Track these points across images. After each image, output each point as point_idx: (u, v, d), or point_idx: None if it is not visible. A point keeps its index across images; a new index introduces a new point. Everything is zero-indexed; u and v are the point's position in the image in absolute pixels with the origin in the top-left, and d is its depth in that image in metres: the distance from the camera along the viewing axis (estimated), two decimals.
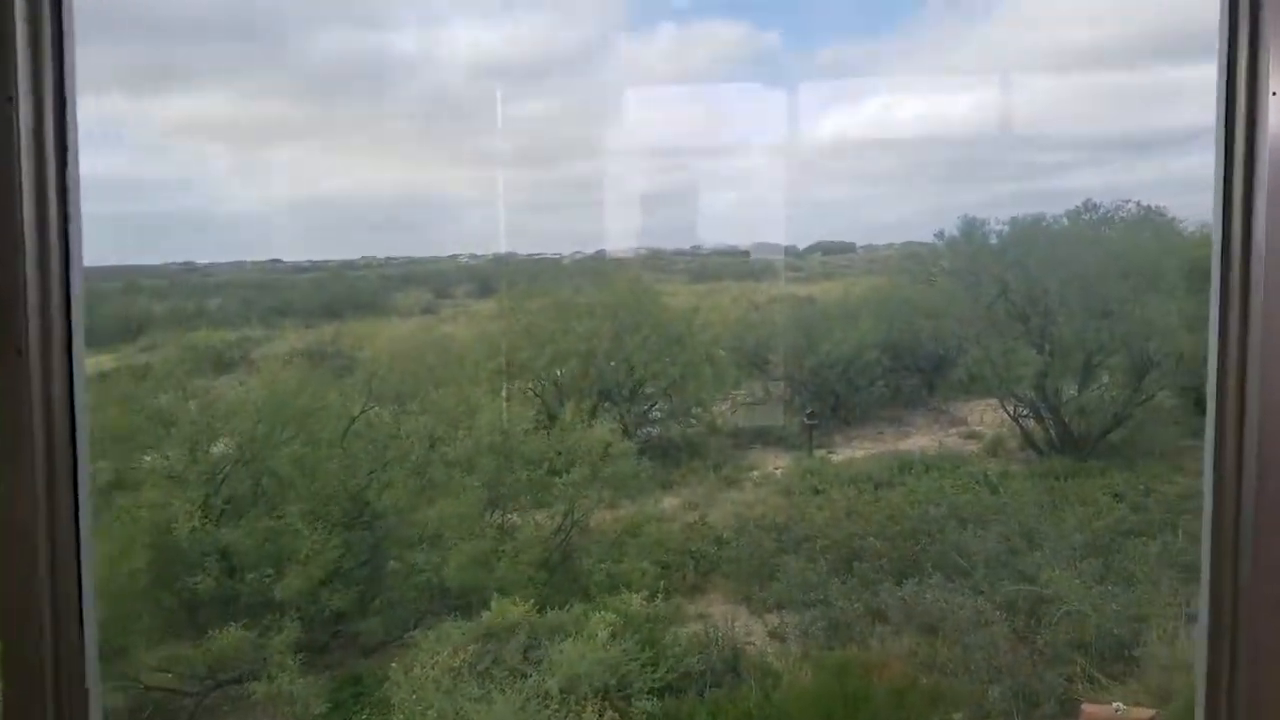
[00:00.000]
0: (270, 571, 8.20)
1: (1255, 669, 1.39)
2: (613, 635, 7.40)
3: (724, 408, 19.15)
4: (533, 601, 7.97)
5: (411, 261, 25.62)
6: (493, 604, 7.78)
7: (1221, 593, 1.43)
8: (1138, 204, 15.87)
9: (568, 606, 7.96)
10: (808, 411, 17.82)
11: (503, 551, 8.92)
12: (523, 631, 7.47)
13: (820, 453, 17.06)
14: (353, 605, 8.29)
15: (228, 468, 9.13)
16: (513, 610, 7.68)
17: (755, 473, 15.83)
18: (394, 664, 7.29)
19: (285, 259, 23.96)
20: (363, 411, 9.95)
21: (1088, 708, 6.47)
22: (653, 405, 17.18)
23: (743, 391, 19.96)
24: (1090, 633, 7.51)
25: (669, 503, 13.31)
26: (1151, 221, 16.06)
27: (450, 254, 26.66)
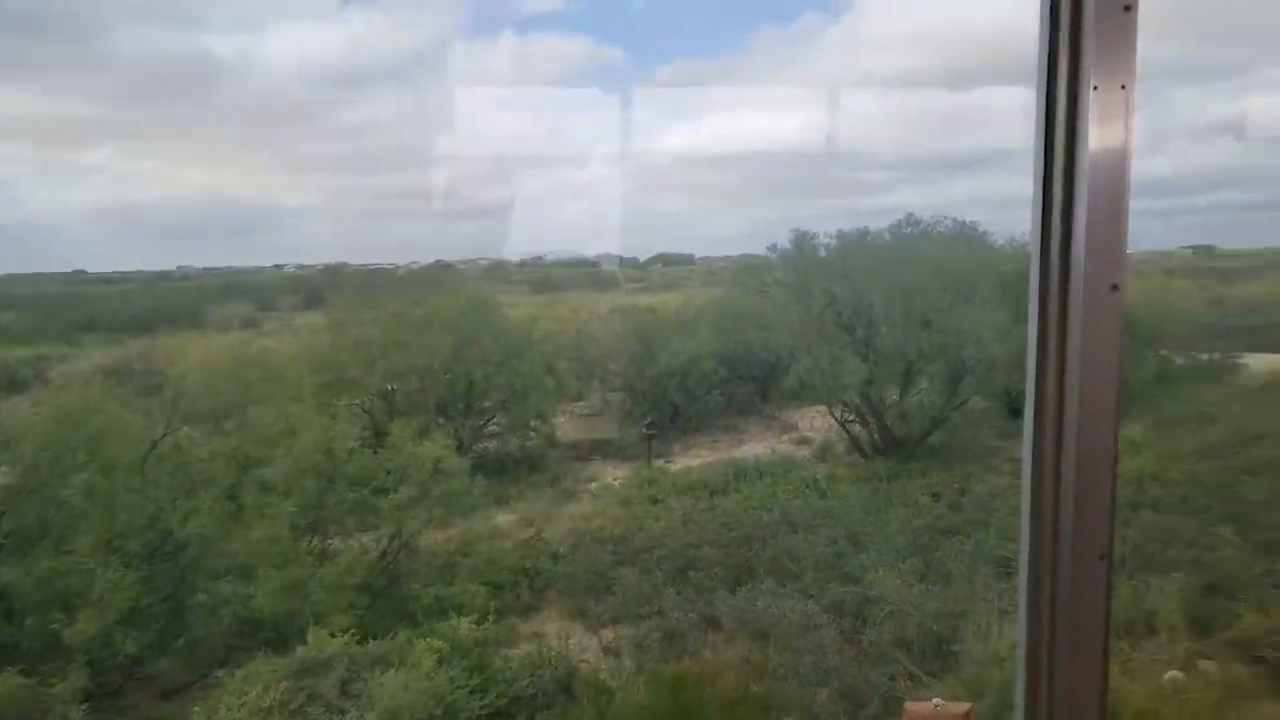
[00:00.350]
0: (58, 614, 7.44)
1: (1073, 655, 1.41)
2: (439, 662, 7.07)
3: (564, 419, 19.11)
4: (353, 631, 7.53)
5: (232, 272, 24.36)
6: (309, 636, 7.30)
7: (1040, 580, 1.44)
8: (954, 219, 16.72)
9: (391, 635, 7.56)
10: (647, 421, 17.88)
11: (321, 578, 8.41)
12: (341, 664, 7.04)
13: (659, 462, 17.14)
14: (152, 644, 7.61)
15: (7, 499, 8.25)
16: (330, 642, 7.23)
17: (594, 484, 15.75)
18: (196, 707, 6.72)
19: (90, 270, 22.29)
20: (166, 433, 9.21)
21: (910, 706, 6.62)
22: (491, 419, 16.86)
23: (583, 403, 19.91)
24: (912, 631, 7.72)
25: (504, 519, 13.02)
26: (966, 236, 16.95)
27: (276, 264, 25.54)
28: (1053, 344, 1.38)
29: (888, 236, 16.90)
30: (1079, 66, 1.37)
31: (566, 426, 18.79)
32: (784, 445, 18.27)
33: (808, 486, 13.83)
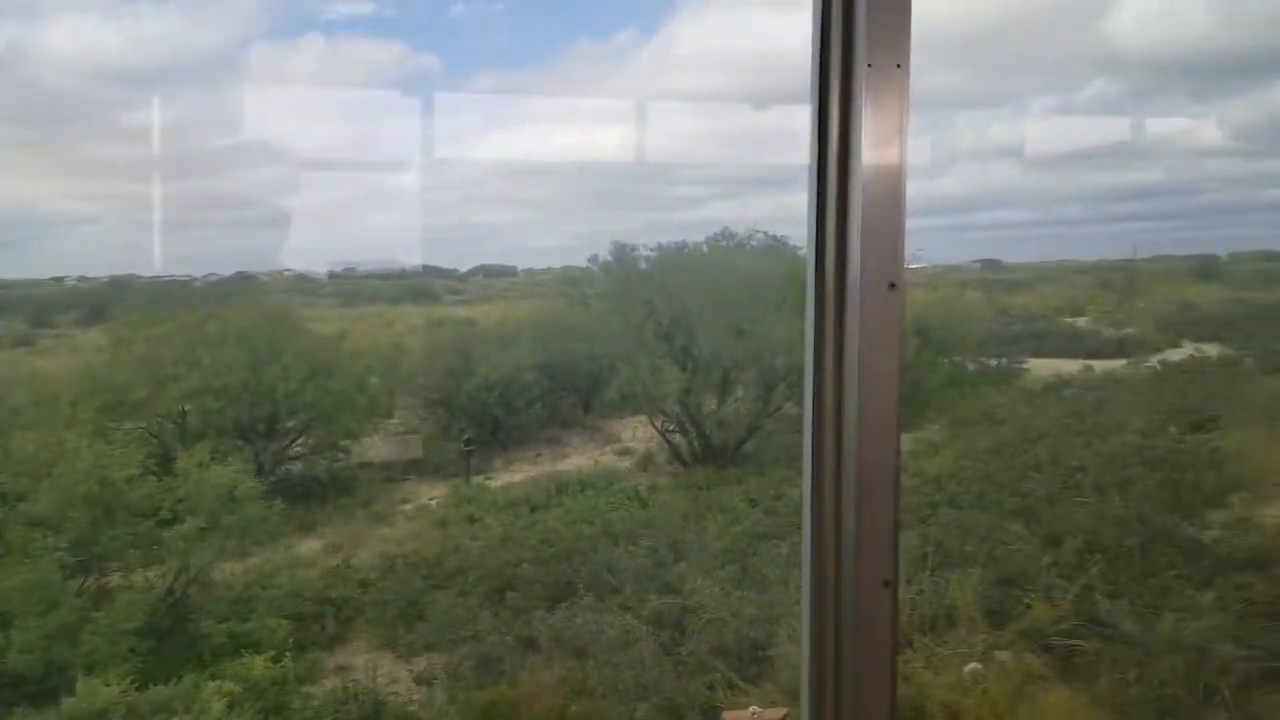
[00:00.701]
0: None
1: (859, 685, 1.37)
2: (230, 707, 6.48)
3: (377, 438, 18.36)
4: (131, 678, 6.80)
5: (2, 285, 22.03)
6: (78, 686, 6.54)
7: (823, 608, 1.44)
8: (765, 233, 17.19)
9: (175, 679, 6.88)
10: (465, 438, 17.39)
11: (96, 622, 7.58)
12: (117, 715, 6.33)
13: (478, 479, 16.72)
14: None
15: None
16: (104, 691, 6.49)
17: (408, 506, 15.14)
18: None
19: None
20: None
21: (728, 715, 6.60)
22: (296, 440, 15.95)
23: (397, 420, 19.18)
24: (730, 638, 7.72)
25: (310, 546, 12.24)
26: (777, 249, 17.45)
27: (54, 276, 23.30)
28: (830, 346, 1.34)
29: (705, 249, 17.22)
30: (852, 49, 1.34)
31: (379, 445, 18.00)
32: (607, 457, 18.19)
33: (630, 498, 13.78)
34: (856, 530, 1.26)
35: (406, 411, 19.23)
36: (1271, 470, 8.66)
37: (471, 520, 13.62)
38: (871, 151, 1.32)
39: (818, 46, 1.37)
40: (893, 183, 1.33)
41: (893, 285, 1.32)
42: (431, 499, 15.46)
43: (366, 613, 9.97)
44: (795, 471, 10.07)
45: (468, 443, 17.13)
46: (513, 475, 17.15)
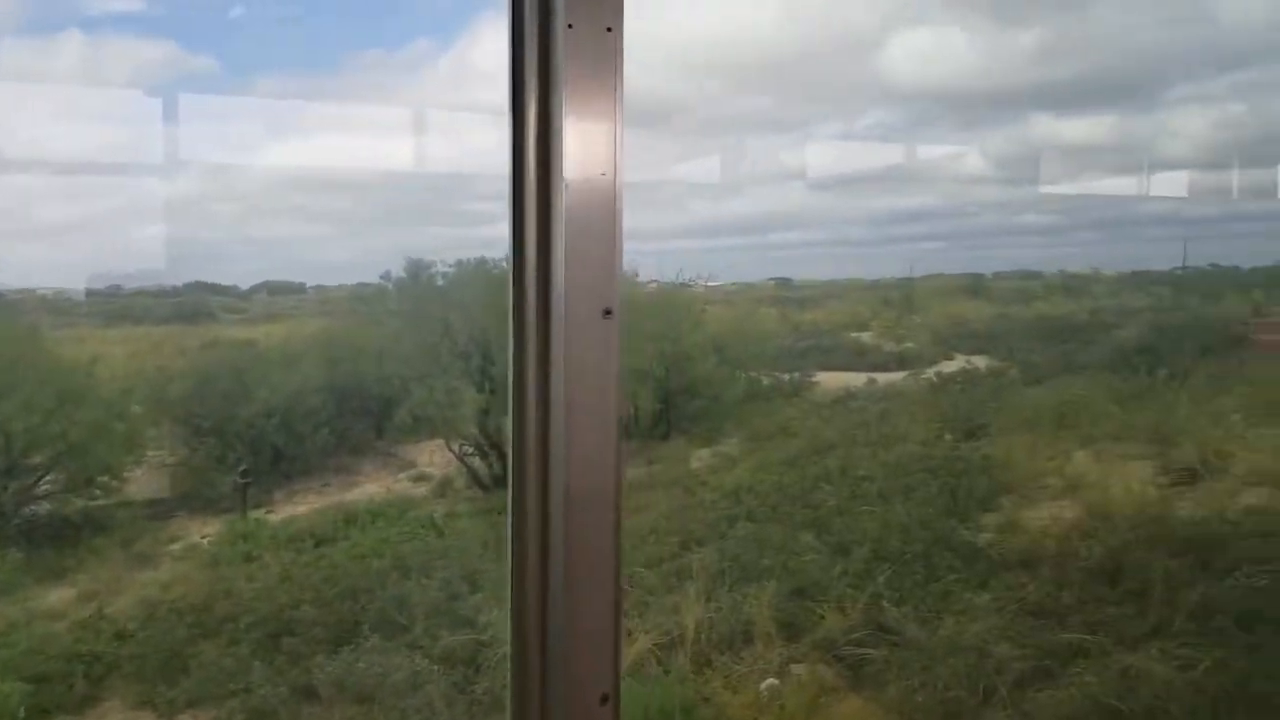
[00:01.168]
0: None
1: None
2: None
3: (141, 472, 16.87)
4: None
5: None
6: None
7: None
8: None
9: None
10: (240, 469, 16.16)
11: None
12: None
13: (258, 513, 15.59)
14: None
15: None
16: None
17: (176, 545, 13.84)
18: None
19: None
20: None
21: None
22: (42, 477, 14.29)
23: (165, 451, 17.65)
24: None
25: (59, 596, 10.90)
26: None
27: None
28: (531, 385, 1.15)
29: (504, 265, 16.81)
30: (549, 86, 1.16)
31: (144, 480, 16.52)
32: (402, 484, 17.42)
33: (424, 527, 13.17)
34: (566, 628, 0.99)
35: (176, 441, 17.75)
36: (1034, 474, 9.23)
37: (248, 559, 12.57)
38: (577, 148, 1.14)
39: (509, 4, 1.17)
40: (603, 193, 1.15)
41: (608, 312, 1.15)
42: (204, 537, 14.25)
43: (123, 668, 8.91)
44: None
45: (244, 474, 15.91)
46: (296, 507, 16.09)
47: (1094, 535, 6.86)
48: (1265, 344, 15.94)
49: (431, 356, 15.07)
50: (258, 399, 17.22)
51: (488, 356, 14.18)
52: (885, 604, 6.42)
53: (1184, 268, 41.35)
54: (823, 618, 6.49)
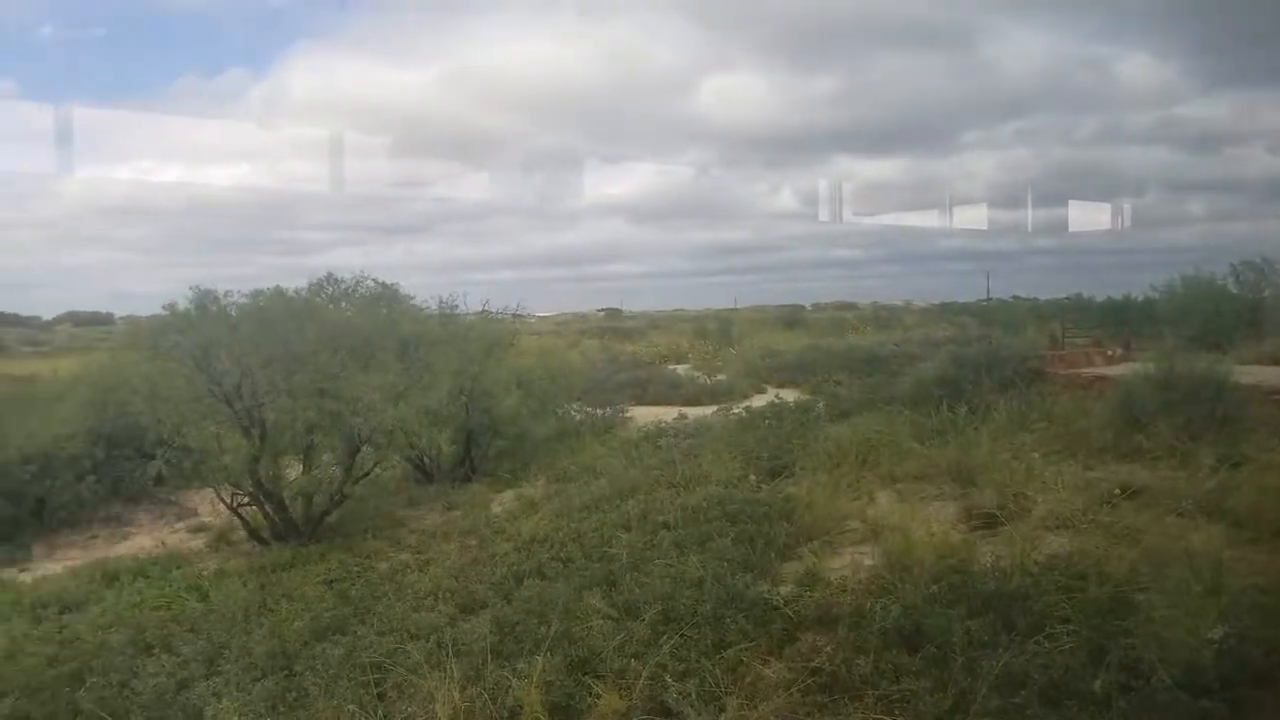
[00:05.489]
0: None
1: None
2: None
3: None
4: None
5: None
6: None
7: None
8: (375, 280, 15.76)
9: None
10: None
11: None
12: None
13: (9, 573, 13.63)
14: None
15: None
16: None
17: None
18: None
19: None
20: None
21: None
22: None
23: None
24: None
25: None
26: (386, 297, 16.08)
27: None
28: None
29: (305, 297, 15.43)
30: None
31: None
32: (178, 535, 15.71)
33: (188, 588, 11.66)
34: None
35: None
36: (836, 516, 8.78)
37: None
38: None
39: None
40: None
41: None
42: None
43: None
44: (390, 541, 8.77)
45: None
46: (56, 565, 14.19)
47: (892, 590, 6.32)
48: (1060, 376, 16.44)
49: (215, 394, 13.49)
50: (10, 445, 15.21)
51: (256, 398, 12.74)
52: (669, 679, 5.64)
53: (988, 299, 43.76)
54: (599, 697, 5.65)
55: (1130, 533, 7.41)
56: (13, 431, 15.52)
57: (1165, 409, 11.35)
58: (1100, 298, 31.54)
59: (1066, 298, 33.65)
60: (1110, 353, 19.24)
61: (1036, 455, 10.21)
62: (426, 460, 16.10)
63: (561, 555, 9.18)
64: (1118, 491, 8.47)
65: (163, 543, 14.97)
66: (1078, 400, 13.70)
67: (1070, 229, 23.49)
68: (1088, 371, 16.74)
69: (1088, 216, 23.92)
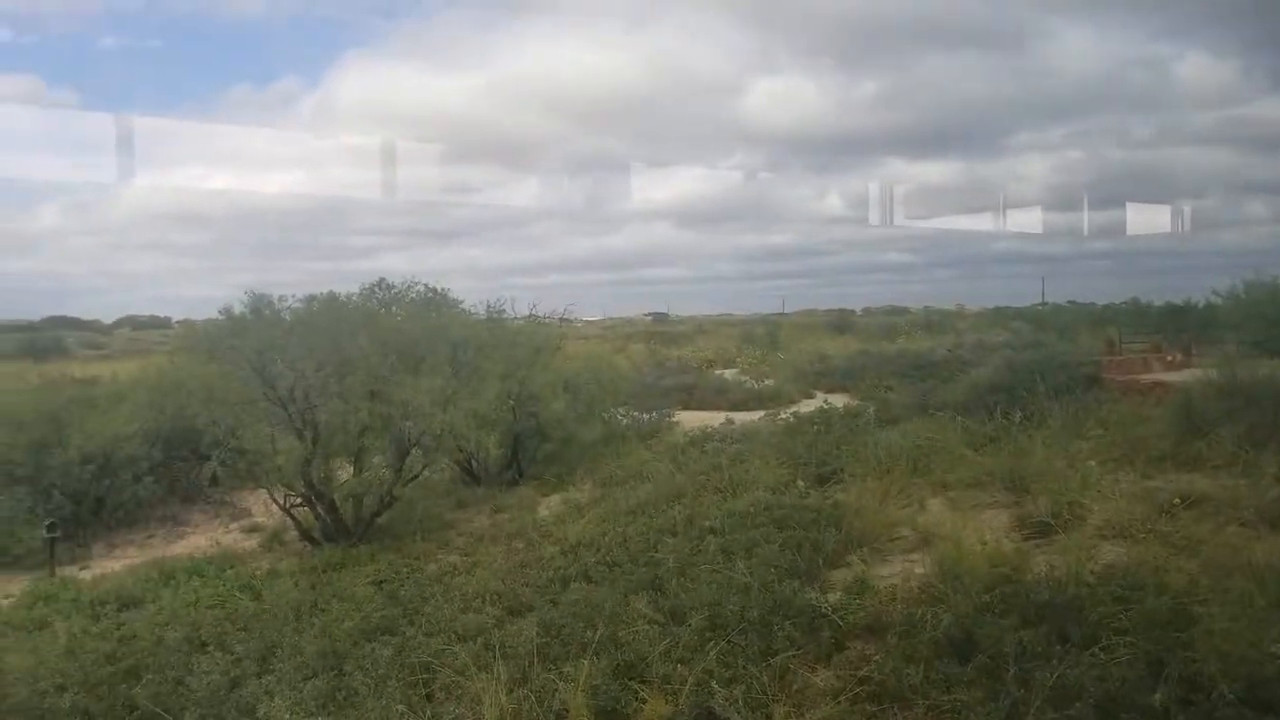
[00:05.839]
0: None
1: None
2: None
3: None
4: None
5: None
6: None
7: None
8: (425, 285, 15.94)
9: None
10: (47, 522, 14.47)
11: None
12: None
13: (70, 570, 14.00)
14: None
15: None
16: None
17: None
18: None
19: None
20: None
21: None
22: None
23: None
24: None
25: None
26: (436, 302, 16.26)
27: None
28: None
29: (357, 302, 15.68)
30: None
31: None
32: (232, 535, 16.02)
33: (242, 587, 11.87)
34: None
35: None
36: (886, 524, 8.67)
37: (39, 626, 11.11)
38: None
39: None
40: None
41: None
42: (7, 597, 12.68)
43: None
44: (438, 543, 8.85)
45: (50, 528, 14.24)
46: (115, 563, 14.55)
47: (944, 599, 6.21)
48: (1117, 382, 16.10)
49: (270, 397, 13.73)
50: (71, 445, 15.63)
51: (309, 400, 12.94)
52: (715, 685, 5.61)
53: (1042, 303, 42.99)
54: (645, 702, 5.63)
55: (1190, 543, 7.22)
56: (74, 432, 15.91)
57: (1227, 416, 11.05)
58: (1159, 302, 30.87)
59: (1124, 302, 33.01)
60: (1170, 358, 18.80)
61: (1092, 463, 10.00)
62: (474, 463, 16.22)
63: (608, 559, 9.17)
64: (1177, 501, 8.26)
65: (217, 542, 15.27)
66: (1135, 407, 13.41)
67: (1128, 232, 22.99)
68: (1146, 378, 16.38)
69: (1146, 219, 23.40)
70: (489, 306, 17.48)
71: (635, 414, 19.50)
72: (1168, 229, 23.02)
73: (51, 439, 15.88)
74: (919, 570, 7.33)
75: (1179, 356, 19.00)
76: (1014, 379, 15.76)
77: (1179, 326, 26.08)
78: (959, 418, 13.31)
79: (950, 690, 5.18)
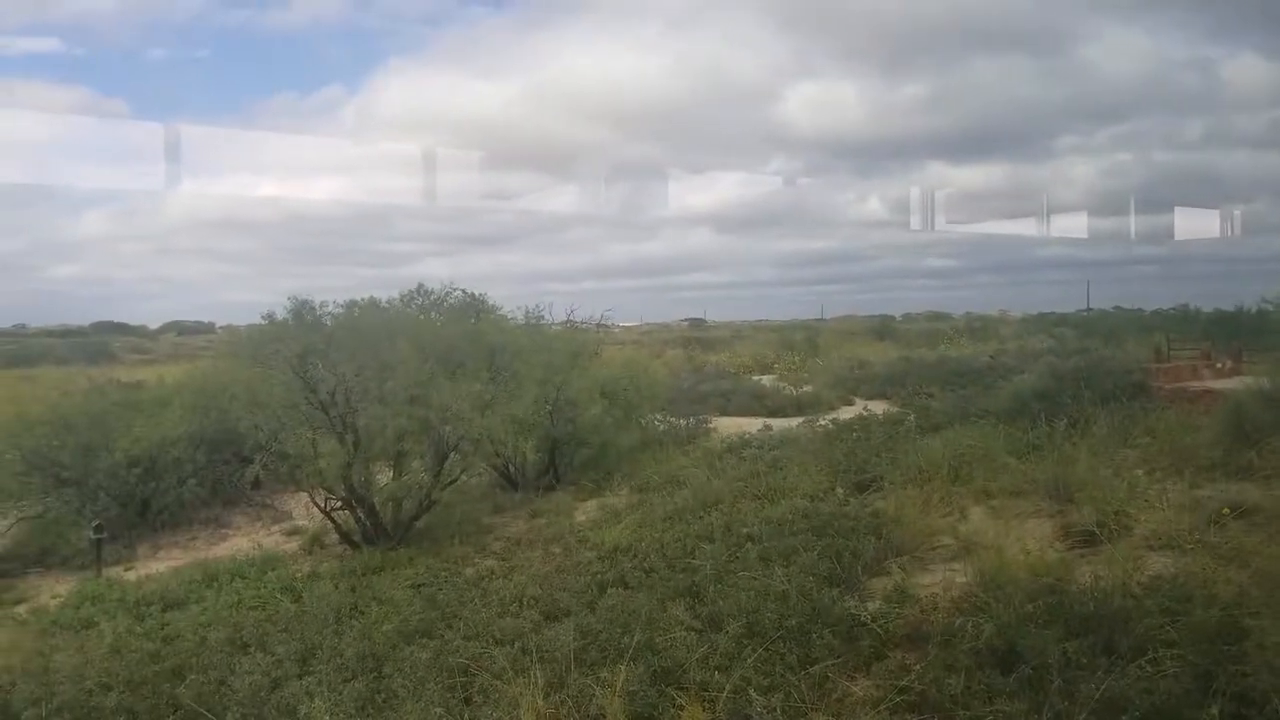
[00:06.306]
0: None
1: None
2: None
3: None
4: None
5: None
6: None
7: None
8: (464, 291, 16.08)
9: None
10: (94, 524, 14.75)
11: None
12: None
13: (115, 571, 14.27)
14: None
15: None
16: None
17: (22, 607, 12.57)
18: None
19: None
20: None
21: None
22: None
23: (25, 502, 16.15)
24: None
25: None
26: (475, 307, 16.40)
27: None
28: None
29: (398, 307, 15.88)
30: None
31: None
32: (274, 537, 16.22)
33: (283, 589, 12.01)
34: None
35: (39, 491, 16.25)
36: (927, 532, 8.56)
37: (86, 625, 11.34)
38: None
39: None
40: None
41: None
42: (55, 597, 12.96)
43: None
44: (476, 547, 8.87)
45: (97, 529, 14.53)
46: (160, 564, 14.81)
47: (986, 609, 6.12)
48: (1165, 390, 15.80)
49: (311, 401, 13.91)
50: (118, 448, 15.92)
51: (350, 404, 13.08)
52: (753, 692, 5.56)
53: (1088, 309, 42.28)
54: (682, 709, 5.60)
55: (1240, 554, 7.05)
56: (121, 436, 16.20)
57: (1278, 425, 10.79)
58: (1208, 308, 30.24)
59: (1172, 308, 32.40)
60: (1219, 365, 18.42)
61: (1139, 472, 9.81)
62: (512, 468, 16.29)
63: (644, 565, 9.16)
64: (1227, 511, 8.07)
65: (259, 544, 15.47)
66: (1184, 415, 13.13)
67: (1176, 236, 22.54)
68: (1195, 385, 16.05)
69: (1195, 224, 22.96)
70: (527, 312, 17.60)
71: (672, 420, 19.48)
72: (1217, 233, 22.56)
73: (99, 442, 16.18)
74: (960, 579, 7.22)
75: (1229, 363, 18.61)
76: (1058, 386, 15.52)
77: (1229, 333, 25.54)
78: (1002, 425, 13.13)
79: (992, 701, 5.09)
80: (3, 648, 10.58)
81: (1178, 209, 22.74)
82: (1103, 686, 4.89)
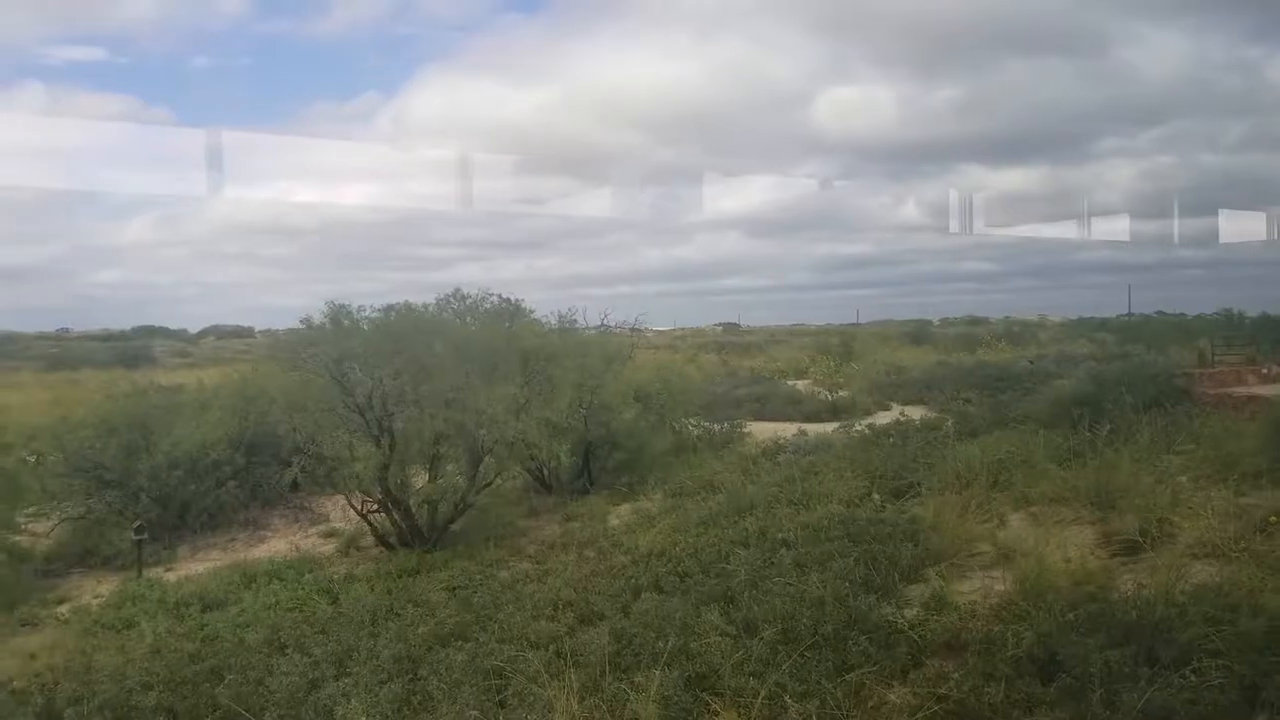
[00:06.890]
0: None
1: None
2: None
3: (41, 526, 15.71)
4: None
5: None
6: None
7: None
8: (500, 296, 16.17)
9: None
10: (135, 524, 14.99)
11: None
12: None
13: (156, 571, 14.48)
14: None
15: None
16: None
17: (65, 607, 12.78)
18: None
19: None
20: None
21: None
22: None
23: (69, 504, 16.44)
24: None
25: None
26: (510, 312, 16.48)
27: None
28: None
29: (434, 311, 16.01)
30: None
31: (42, 534, 15.51)
32: (311, 539, 16.37)
33: (320, 590, 12.13)
34: None
35: (80, 493, 16.55)
36: (965, 539, 8.45)
37: (127, 625, 11.51)
38: None
39: None
40: None
41: None
42: (97, 597, 13.18)
43: None
44: (510, 550, 8.88)
45: (138, 530, 14.75)
46: (199, 565, 14.99)
47: (1025, 617, 6.03)
48: (1209, 395, 15.51)
49: (348, 404, 14.05)
50: (158, 450, 16.18)
51: (386, 408, 13.19)
52: (789, 699, 5.51)
53: (1129, 314, 41.62)
54: (717, 714, 5.56)
55: None
56: (161, 438, 16.45)
57: None
58: (1254, 313, 29.62)
59: (1216, 313, 31.77)
60: (1266, 371, 18.05)
61: (1183, 479, 9.63)
62: (546, 472, 16.35)
63: (679, 570, 9.12)
64: (1273, 518, 7.90)
65: (296, 546, 15.62)
66: (1229, 421, 12.87)
67: (1220, 240, 22.08)
68: (1240, 391, 15.75)
69: (1239, 226, 22.46)
70: (561, 316, 17.67)
71: (706, 424, 19.44)
72: (1263, 236, 22.05)
73: (140, 444, 16.45)
74: (999, 587, 7.12)
75: (1275, 369, 18.23)
76: (1099, 391, 15.28)
77: (1275, 338, 25.01)
78: (1041, 431, 12.95)
79: (1032, 710, 5.02)
80: (46, 647, 10.78)
81: (1221, 212, 22.25)
82: (1145, 696, 4.80)
